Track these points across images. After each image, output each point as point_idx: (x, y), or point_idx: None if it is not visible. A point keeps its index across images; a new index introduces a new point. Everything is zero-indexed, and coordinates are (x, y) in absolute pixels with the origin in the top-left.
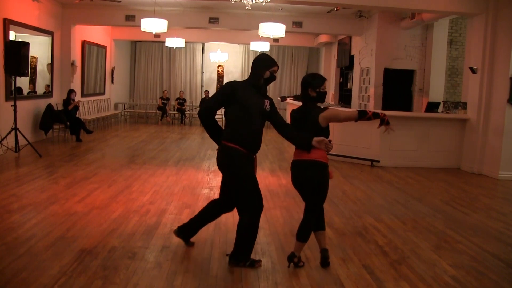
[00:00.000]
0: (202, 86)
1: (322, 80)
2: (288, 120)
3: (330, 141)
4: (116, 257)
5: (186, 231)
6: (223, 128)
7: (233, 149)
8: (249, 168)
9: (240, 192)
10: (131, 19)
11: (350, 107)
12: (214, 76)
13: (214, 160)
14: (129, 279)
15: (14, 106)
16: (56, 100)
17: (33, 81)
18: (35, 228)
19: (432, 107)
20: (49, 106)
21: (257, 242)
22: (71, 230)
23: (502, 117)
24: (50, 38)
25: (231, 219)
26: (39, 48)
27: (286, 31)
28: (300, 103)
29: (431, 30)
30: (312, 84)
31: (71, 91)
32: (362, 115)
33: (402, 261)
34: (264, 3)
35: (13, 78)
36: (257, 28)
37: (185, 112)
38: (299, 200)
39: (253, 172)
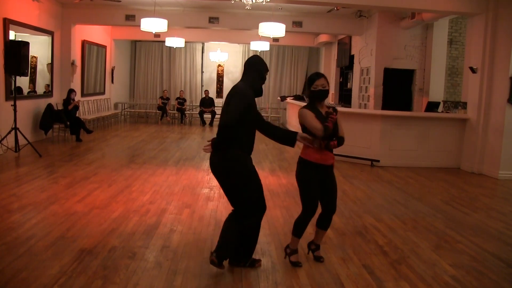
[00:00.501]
0: (202, 85)
1: (316, 78)
2: (288, 120)
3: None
4: (116, 257)
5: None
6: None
7: (236, 153)
8: (253, 168)
9: (246, 194)
10: (131, 18)
11: (350, 107)
12: (214, 75)
13: None
14: (129, 279)
15: (14, 105)
16: (56, 100)
17: (33, 81)
18: (35, 228)
19: (432, 106)
20: (49, 106)
21: (257, 242)
22: (71, 230)
23: (502, 117)
24: (50, 38)
25: None
26: (39, 48)
27: (286, 31)
28: (300, 103)
29: (431, 30)
30: (308, 83)
31: (71, 91)
32: (325, 136)
33: (402, 261)
34: (264, 3)
35: (13, 78)
36: (257, 27)
37: (185, 112)
38: (299, 200)
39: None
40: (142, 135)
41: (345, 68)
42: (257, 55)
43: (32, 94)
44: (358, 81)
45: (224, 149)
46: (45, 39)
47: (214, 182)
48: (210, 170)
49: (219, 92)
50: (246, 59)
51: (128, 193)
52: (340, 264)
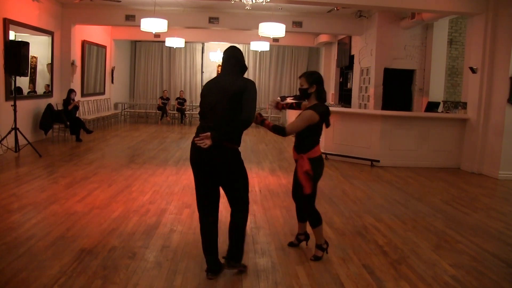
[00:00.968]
0: (202, 86)
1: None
2: (288, 120)
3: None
4: (116, 257)
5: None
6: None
7: (236, 147)
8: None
9: (242, 188)
10: (131, 19)
11: (350, 107)
12: (214, 75)
13: None
14: (129, 278)
15: (14, 106)
16: (56, 100)
17: (33, 81)
18: (35, 228)
19: (432, 107)
20: (49, 106)
21: (257, 242)
22: (71, 230)
23: (502, 117)
24: (50, 38)
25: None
26: (39, 48)
27: (286, 31)
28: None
29: (431, 30)
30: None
31: (71, 91)
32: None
33: (402, 261)
34: (264, 3)
35: (13, 78)
36: (257, 28)
37: (185, 112)
38: None
39: None
40: (142, 135)
41: (345, 68)
42: (234, 46)
43: (32, 94)
44: (358, 81)
45: (226, 142)
46: (45, 39)
47: None
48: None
49: None
50: (246, 59)
51: (128, 193)
52: (340, 264)
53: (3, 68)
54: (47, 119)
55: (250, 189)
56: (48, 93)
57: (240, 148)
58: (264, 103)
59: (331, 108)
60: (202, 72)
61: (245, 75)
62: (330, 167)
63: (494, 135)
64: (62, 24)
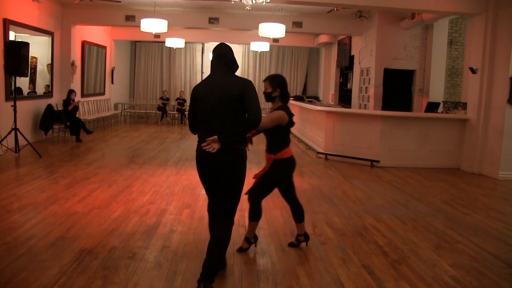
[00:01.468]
0: None
1: None
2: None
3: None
4: (116, 257)
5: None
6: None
7: (244, 150)
8: None
9: (236, 196)
10: (131, 19)
11: (350, 107)
12: None
13: None
14: (129, 279)
15: (14, 106)
16: (56, 100)
17: (33, 81)
18: (35, 228)
19: (432, 107)
20: (49, 106)
21: (257, 242)
22: (71, 230)
23: (502, 117)
24: (50, 38)
25: None
26: (39, 48)
27: (286, 31)
28: (300, 103)
29: (431, 30)
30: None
31: (71, 91)
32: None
33: (402, 261)
34: (264, 3)
35: (13, 78)
36: (257, 28)
37: (185, 112)
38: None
39: None
40: (142, 136)
41: (345, 68)
42: (224, 43)
43: (32, 94)
44: (358, 82)
45: (235, 145)
46: (45, 40)
47: None
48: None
49: None
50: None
51: (128, 193)
52: (340, 264)
53: (3, 68)
54: (47, 120)
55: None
56: (48, 93)
57: None
58: (264, 103)
59: (331, 108)
60: (202, 72)
61: (246, 76)
62: (330, 167)
63: (494, 135)
64: (62, 24)
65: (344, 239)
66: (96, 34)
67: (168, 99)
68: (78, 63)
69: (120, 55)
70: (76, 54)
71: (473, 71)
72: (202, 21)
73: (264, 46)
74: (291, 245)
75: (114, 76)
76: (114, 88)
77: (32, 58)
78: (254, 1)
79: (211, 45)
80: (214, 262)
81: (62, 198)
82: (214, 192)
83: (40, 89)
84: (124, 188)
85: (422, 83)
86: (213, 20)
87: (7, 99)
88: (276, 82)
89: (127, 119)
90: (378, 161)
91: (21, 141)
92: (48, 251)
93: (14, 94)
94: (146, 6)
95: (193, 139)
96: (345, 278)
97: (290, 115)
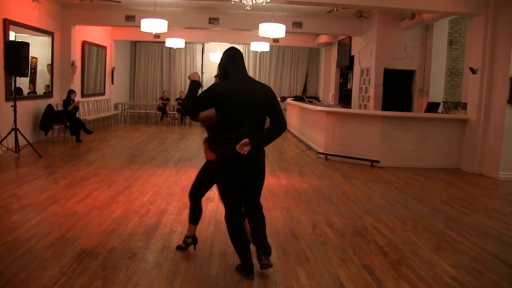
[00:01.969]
0: (202, 86)
1: None
2: (288, 121)
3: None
4: (116, 257)
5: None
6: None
7: (264, 150)
8: None
9: (262, 188)
10: (131, 19)
11: (350, 108)
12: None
13: None
14: (129, 279)
15: (14, 106)
16: (56, 101)
17: (33, 82)
18: (35, 228)
19: (432, 107)
20: (49, 107)
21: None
22: (71, 230)
23: (502, 117)
24: (50, 38)
25: None
26: (39, 49)
27: (286, 32)
28: (300, 103)
29: (431, 30)
30: None
31: (71, 92)
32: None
33: (402, 261)
34: (264, 4)
35: (13, 79)
36: (257, 28)
37: None
38: (299, 201)
39: None
40: (142, 136)
41: (345, 68)
42: (233, 47)
43: (32, 94)
44: (358, 82)
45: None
46: (45, 40)
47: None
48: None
49: None
50: (247, 59)
51: (128, 194)
52: (340, 264)
53: (3, 68)
54: (47, 120)
55: None
56: (48, 93)
57: None
58: None
59: (331, 108)
60: (202, 72)
61: None
62: (330, 168)
63: (494, 135)
64: (62, 24)
65: (344, 239)
66: (96, 34)
67: (168, 99)
68: (78, 63)
69: (120, 55)
70: (76, 54)
71: (473, 71)
72: (202, 21)
73: (264, 46)
74: (178, 248)
75: (114, 76)
76: (114, 88)
77: (32, 58)
78: (254, 1)
79: (211, 45)
80: (264, 236)
81: (62, 198)
82: (247, 189)
83: (40, 89)
84: (124, 188)
85: (422, 83)
86: (213, 20)
87: (7, 99)
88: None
89: (127, 119)
90: (378, 161)
91: (21, 141)
92: (48, 251)
93: (14, 94)
94: (146, 6)
95: (193, 140)
96: (345, 278)
97: None
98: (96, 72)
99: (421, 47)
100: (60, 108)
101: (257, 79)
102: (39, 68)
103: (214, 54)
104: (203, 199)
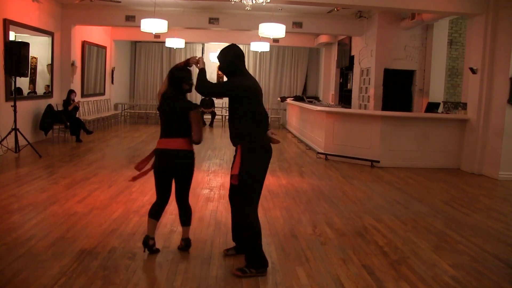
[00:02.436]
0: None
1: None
2: (288, 121)
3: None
4: (116, 257)
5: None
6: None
7: None
8: None
9: None
10: (131, 19)
11: (350, 108)
12: (214, 76)
13: (215, 160)
14: (129, 279)
15: (14, 106)
16: (56, 101)
17: (33, 82)
18: (35, 228)
19: (432, 107)
20: (49, 107)
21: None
22: (71, 231)
23: (502, 117)
24: (50, 38)
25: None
26: (39, 49)
27: (286, 32)
28: (300, 103)
29: (431, 31)
30: (185, 79)
31: (71, 92)
32: None
33: (402, 261)
34: (264, 4)
35: (13, 79)
36: (257, 28)
37: None
38: (299, 201)
39: None
40: (142, 136)
41: (345, 68)
42: (234, 44)
43: (32, 94)
44: (358, 82)
45: None
46: (45, 40)
47: (214, 183)
48: (210, 171)
49: None
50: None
51: (128, 194)
52: (340, 264)
53: (3, 68)
54: (47, 120)
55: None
56: (48, 93)
57: None
58: (264, 103)
59: (331, 108)
60: None
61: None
62: (330, 168)
63: (494, 135)
64: (62, 24)
65: (344, 239)
66: (96, 34)
67: None
68: (78, 63)
69: (120, 55)
70: (76, 54)
71: (473, 71)
72: (202, 21)
73: (264, 46)
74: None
75: (114, 76)
76: (114, 88)
77: (32, 58)
78: (254, 1)
79: (211, 45)
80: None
81: (62, 198)
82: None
83: (40, 89)
84: (124, 188)
85: (422, 83)
86: (213, 20)
87: (7, 99)
88: None
89: (127, 119)
90: (378, 161)
91: (21, 141)
92: (48, 252)
93: (14, 94)
94: (146, 6)
95: None
96: (345, 278)
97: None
98: (96, 72)
99: (421, 47)
100: (60, 108)
101: (257, 79)
102: (39, 68)
103: (214, 54)
104: (203, 199)
